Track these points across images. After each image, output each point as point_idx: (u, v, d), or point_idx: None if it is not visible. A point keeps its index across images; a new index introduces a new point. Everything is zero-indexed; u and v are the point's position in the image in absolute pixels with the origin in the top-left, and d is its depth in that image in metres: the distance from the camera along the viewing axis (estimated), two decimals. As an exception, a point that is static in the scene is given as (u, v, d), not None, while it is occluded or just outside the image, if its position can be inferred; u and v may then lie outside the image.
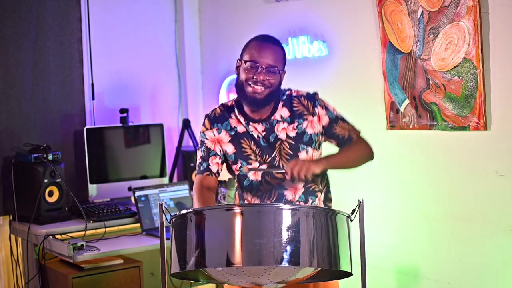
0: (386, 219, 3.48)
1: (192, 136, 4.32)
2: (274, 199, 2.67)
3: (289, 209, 2.06)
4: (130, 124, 4.26)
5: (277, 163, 2.67)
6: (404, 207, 3.41)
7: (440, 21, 3.10)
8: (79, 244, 3.41)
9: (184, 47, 4.67)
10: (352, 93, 3.64)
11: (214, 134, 2.72)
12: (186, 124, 4.36)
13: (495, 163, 2.99)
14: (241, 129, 2.70)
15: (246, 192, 2.72)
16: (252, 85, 2.59)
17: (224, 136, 2.71)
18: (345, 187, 3.68)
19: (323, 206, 2.74)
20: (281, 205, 2.12)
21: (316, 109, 2.71)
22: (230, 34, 4.45)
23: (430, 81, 3.18)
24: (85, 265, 3.56)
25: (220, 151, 2.72)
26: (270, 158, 2.67)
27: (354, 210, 2.23)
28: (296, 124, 2.69)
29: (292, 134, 2.68)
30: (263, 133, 2.68)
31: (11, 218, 3.88)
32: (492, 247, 3.03)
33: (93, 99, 4.27)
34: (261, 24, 4.16)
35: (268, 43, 2.64)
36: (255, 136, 2.68)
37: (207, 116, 2.77)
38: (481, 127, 2.99)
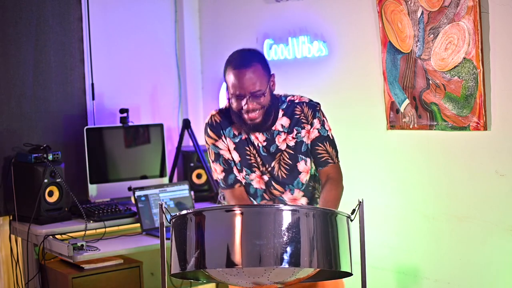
0: (386, 219, 3.48)
1: (192, 136, 4.32)
2: None
3: (289, 209, 2.06)
4: (130, 124, 4.26)
5: (276, 173, 2.68)
6: (404, 207, 3.41)
7: (440, 21, 3.10)
8: (79, 244, 3.41)
9: (184, 47, 4.67)
10: (352, 93, 3.64)
11: (225, 143, 2.70)
12: (186, 124, 4.36)
13: (495, 163, 2.99)
14: (244, 136, 2.69)
15: (251, 198, 2.74)
16: (246, 114, 2.56)
17: (230, 143, 2.69)
18: (345, 187, 3.68)
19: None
20: (281, 205, 2.13)
21: (314, 120, 2.68)
22: (230, 34, 4.45)
23: (430, 81, 3.18)
24: (85, 265, 3.56)
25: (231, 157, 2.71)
26: (270, 168, 2.68)
27: (354, 210, 2.23)
28: (295, 132, 2.67)
29: (292, 143, 2.68)
30: (264, 143, 2.67)
31: (11, 218, 3.88)
32: (492, 247, 3.03)
33: (93, 99, 4.28)
34: (261, 24, 4.16)
35: (242, 68, 2.52)
36: (256, 144, 2.67)
37: (209, 126, 2.72)
38: (481, 127, 2.99)
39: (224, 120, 2.70)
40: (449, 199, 3.20)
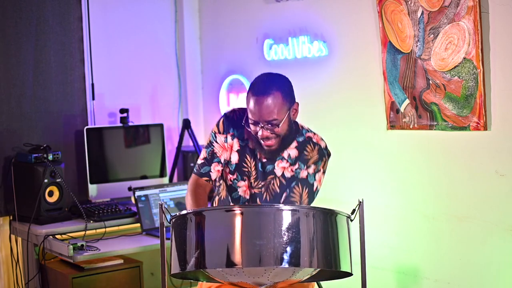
0: (386, 219, 3.48)
1: (192, 136, 4.32)
2: None
3: (289, 209, 2.06)
4: (130, 124, 4.26)
5: (263, 193, 2.65)
6: (404, 207, 3.41)
7: (440, 21, 3.10)
8: (79, 244, 3.41)
9: (184, 47, 4.67)
10: (352, 93, 3.64)
11: (226, 140, 2.67)
12: (186, 124, 4.36)
13: (495, 163, 2.99)
14: (250, 144, 2.66)
15: (233, 202, 2.71)
16: (261, 140, 2.54)
17: (235, 144, 2.66)
18: (345, 187, 3.69)
19: None
20: (281, 205, 2.12)
21: (312, 166, 2.62)
22: (230, 34, 4.45)
23: (430, 81, 3.18)
24: (85, 265, 3.56)
25: (225, 159, 2.68)
26: (260, 185, 2.65)
27: (354, 210, 2.23)
28: (296, 167, 2.63)
29: (288, 175, 2.63)
30: (264, 160, 2.64)
31: (11, 218, 3.88)
32: (492, 247, 3.03)
33: (93, 99, 4.28)
34: (261, 24, 4.16)
35: (260, 95, 2.47)
36: (258, 158, 2.64)
37: (225, 116, 2.69)
38: (481, 127, 2.99)
39: (242, 120, 2.64)
40: (449, 199, 3.20)
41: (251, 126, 2.54)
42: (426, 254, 3.32)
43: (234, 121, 2.67)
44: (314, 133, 2.69)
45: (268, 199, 2.66)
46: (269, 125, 2.49)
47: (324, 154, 2.66)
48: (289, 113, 2.54)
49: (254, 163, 2.65)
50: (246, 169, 2.66)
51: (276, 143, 2.54)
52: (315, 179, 2.64)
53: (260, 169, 2.64)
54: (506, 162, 2.95)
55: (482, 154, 3.04)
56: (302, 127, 2.69)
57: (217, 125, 2.69)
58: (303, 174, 2.63)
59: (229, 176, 2.68)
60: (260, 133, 2.51)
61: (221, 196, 2.75)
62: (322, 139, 2.69)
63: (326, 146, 2.68)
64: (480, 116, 2.98)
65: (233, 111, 2.71)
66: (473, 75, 2.98)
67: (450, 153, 3.18)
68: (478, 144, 3.05)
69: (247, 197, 2.67)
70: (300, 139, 2.65)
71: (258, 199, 2.67)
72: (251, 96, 2.50)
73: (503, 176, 2.97)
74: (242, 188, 2.68)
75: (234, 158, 2.67)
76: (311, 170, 2.63)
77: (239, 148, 2.66)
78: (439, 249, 3.26)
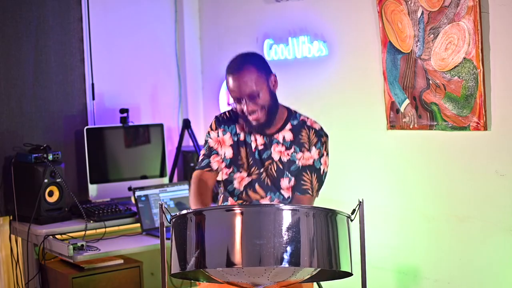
0: (386, 219, 3.49)
1: (192, 136, 4.32)
2: None
3: (289, 209, 2.06)
4: (130, 124, 4.26)
5: (263, 178, 2.74)
6: (404, 207, 3.41)
7: (440, 21, 3.10)
8: (79, 244, 3.41)
9: (184, 47, 4.67)
10: (352, 93, 3.64)
11: (218, 135, 2.77)
12: (186, 124, 4.36)
13: (495, 163, 2.99)
14: (242, 137, 2.76)
15: (230, 196, 2.79)
16: (249, 116, 2.65)
17: (228, 139, 2.76)
18: (345, 187, 3.69)
19: None
20: (281, 205, 2.13)
21: (313, 149, 2.70)
22: (230, 34, 4.45)
23: (430, 81, 3.18)
24: (85, 265, 3.56)
25: (222, 152, 2.77)
26: (257, 172, 2.73)
27: (354, 210, 2.23)
28: (292, 150, 2.71)
29: (285, 159, 2.72)
30: (261, 147, 2.74)
31: (11, 218, 3.88)
32: (492, 247, 3.03)
33: (93, 99, 4.28)
34: (261, 24, 4.16)
35: (235, 73, 2.62)
36: (253, 147, 2.74)
37: (215, 117, 2.83)
38: (481, 127, 2.99)
39: (233, 118, 2.79)
40: (449, 199, 3.20)
41: (237, 106, 2.66)
42: (426, 254, 3.32)
43: (225, 120, 2.79)
44: (308, 117, 2.78)
45: (268, 183, 2.73)
46: (250, 98, 2.60)
47: (322, 135, 2.73)
48: (268, 84, 2.65)
49: (249, 151, 2.73)
50: (241, 161, 2.74)
51: (263, 116, 2.64)
52: (321, 163, 2.71)
53: (256, 156, 2.73)
54: (506, 162, 2.95)
55: (482, 154, 3.04)
56: (295, 111, 2.79)
57: (210, 126, 2.82)
58: (307, 161, 2.70)
59: (225, 170, 2.77)
60: (245, 108, 2.62)
61: (224, 193, 2.83)
62: (316, 122, 2.78)
63: (321, 128, 2.76)
64: (480, 116, 2.98)
65: (223, 112, 2.85)
66: (473, 75, 2.99)
67: (450, 153, 3.18)
68: (478, 144, 3.05)
69: (241, 188, 2.75)
70: (294, 122, 2.75)
71: (257, 184, 2.74)
72: (228, 76, 2.64)
73: (503, 176, 2.97)
74: (238, 179, 2.75)
75: (228, 153, 2.76)
76: (315, 155, 2.70)
77: (232, 143, 2.76)
78: (439, 249, 3.26)
